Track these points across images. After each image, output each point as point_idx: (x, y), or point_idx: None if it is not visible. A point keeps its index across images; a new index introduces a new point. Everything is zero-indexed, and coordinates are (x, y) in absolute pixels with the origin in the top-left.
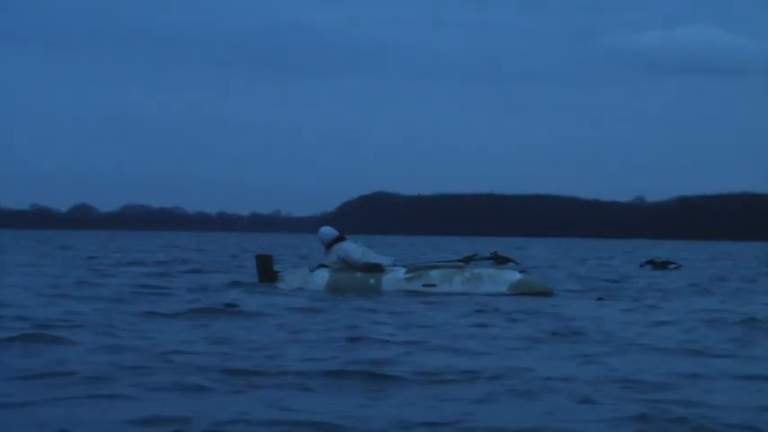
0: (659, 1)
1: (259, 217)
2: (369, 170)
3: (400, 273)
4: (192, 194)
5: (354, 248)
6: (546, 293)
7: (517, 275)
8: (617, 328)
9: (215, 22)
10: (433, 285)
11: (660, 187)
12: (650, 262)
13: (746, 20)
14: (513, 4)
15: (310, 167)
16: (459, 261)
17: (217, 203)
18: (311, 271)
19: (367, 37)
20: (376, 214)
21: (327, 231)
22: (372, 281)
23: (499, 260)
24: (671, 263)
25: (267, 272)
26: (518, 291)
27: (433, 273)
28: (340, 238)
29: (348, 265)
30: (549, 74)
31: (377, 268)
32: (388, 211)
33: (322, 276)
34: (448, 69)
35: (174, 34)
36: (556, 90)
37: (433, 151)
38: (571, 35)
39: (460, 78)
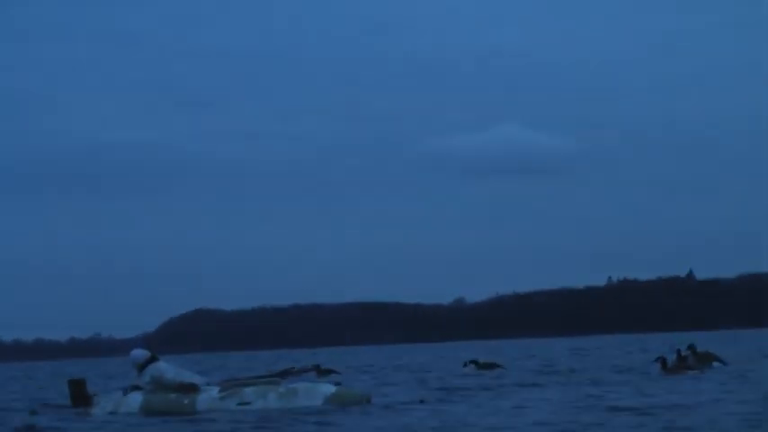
0: (468, 103)
1: (78, 341)
2: (189, 288)
3: (214, 392)
4: (7, 322)
5: (167, 368)
6: (363, 403)
7: (332, 388)
8: None
9: (21, 144)
10: (248, 403)
11: (479, 288)
12: (473, 362)
13: (553, 118)
14: (326, 114)
15: (130, 288)
16: (276, 376)
17: (33, 330)
18: (125, 394)
19: (181, 153)
20: (199, 332)
21: (138, 354)
22: (186, 401)
23: (320, 372)
24: (496, 365)
25: (81, 396)
26: (334, 403)
27: (247, 390)
28: (153, 359)
29: (161, 385)
30: (365, 182)
31: (191, 388)
32: (211, 327)
33: (135, 399)
34: (261, 182)
35: None
36: (373, 198)
37: (252, 265)
38: (384, 143)
39: (279, 190)
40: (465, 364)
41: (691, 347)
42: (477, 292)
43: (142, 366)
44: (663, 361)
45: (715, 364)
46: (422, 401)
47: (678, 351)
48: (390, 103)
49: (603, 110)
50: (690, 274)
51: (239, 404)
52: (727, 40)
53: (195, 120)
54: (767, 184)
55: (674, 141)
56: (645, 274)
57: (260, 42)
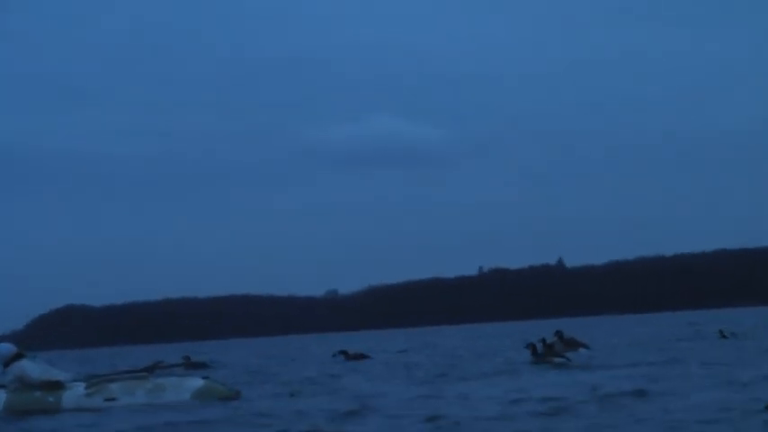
0: (342, 95)
1: None
2: (57, 284)
3: (80, 388)
4: None
5: (31, 367)
6: (231, 397)
7: (200, 382)
8: None
9: None
10: (114, 399)
11: (351, 280)
12: (343, 352)
13: (425, 109)
14: (200, 108)
15: None
16: (143, 371)
17: None
18: None
19: (52, 148)
20: (68, 328)
21: (4, 348)
22: (51, 399)
23: (190, 366)
24: (365, 356)
25: None
26: (201, 397)
27: (114, 386)
28: (19, 356)
29: (25, 384)
30: (239, 175)
31: (56, 385)
32: (82, 323)
33: None
34: (132, 177)
35: None
36: (246, 190)
37: (122, 260)
38: (259, 133)
39: (150, 184)
40: (334, 355)
41: (558, 333)
42: (350, 283)
43: (7, 363)
44: (533, 348)
45: (581, 350)
46: (292, 395)
47: (543, 339)
48: (265, 96)
49: (476, 100)
50: (560, 262)
51: (106, 400)
52: (600, 26)
53: (65, 114)
54: (637, 172)
55: (547, 131)
56: (515, 262)
57: (133, 37)
